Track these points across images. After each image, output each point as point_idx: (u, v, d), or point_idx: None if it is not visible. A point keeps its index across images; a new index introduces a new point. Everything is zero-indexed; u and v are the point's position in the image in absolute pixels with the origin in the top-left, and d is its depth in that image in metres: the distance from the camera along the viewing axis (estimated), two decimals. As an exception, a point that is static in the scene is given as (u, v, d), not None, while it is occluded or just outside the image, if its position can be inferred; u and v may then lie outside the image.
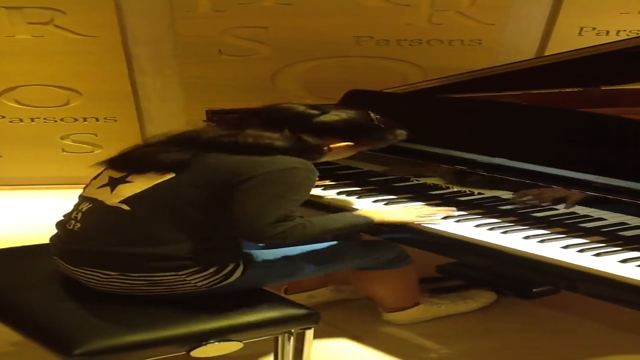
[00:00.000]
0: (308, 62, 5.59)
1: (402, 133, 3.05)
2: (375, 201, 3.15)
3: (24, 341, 2.50)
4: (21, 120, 5.64)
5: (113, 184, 2.65)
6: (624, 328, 3.30)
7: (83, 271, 2.58)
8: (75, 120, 5.67)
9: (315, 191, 3.27)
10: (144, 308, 2.50)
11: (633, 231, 2.58)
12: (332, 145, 2.88)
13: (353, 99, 3.76)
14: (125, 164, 2.71)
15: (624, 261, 2.41)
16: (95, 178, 2.78)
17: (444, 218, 2.88)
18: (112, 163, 2.74)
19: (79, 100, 5.56)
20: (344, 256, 2.96)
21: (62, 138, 5.76)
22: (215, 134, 2.75)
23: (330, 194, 3.24)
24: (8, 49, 5.25)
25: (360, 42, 5.51)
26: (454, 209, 2.94)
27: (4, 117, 5.60)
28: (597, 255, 2.47)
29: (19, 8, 5.09)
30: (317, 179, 2.76)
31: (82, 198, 2.74)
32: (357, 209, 3.01)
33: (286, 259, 2.80)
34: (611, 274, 2.36)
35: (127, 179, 2.64)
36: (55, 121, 5.65)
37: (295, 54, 5.55)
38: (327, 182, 3.38)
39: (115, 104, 5.60)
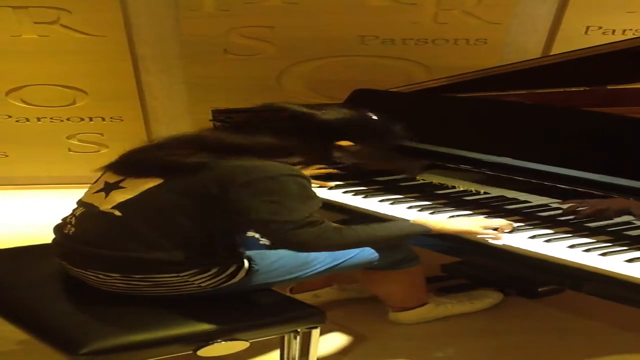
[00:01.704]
0: (313, 61, 5.59)
1: (404, 131, 2.99)
2: (381, 200, 3.15)
3: (30, 340, 2.50)
4: (27, 120, 5.65)
5: (107, 189, 2.64)
6: (630, 327, 3.30)
7: (85, 272, 2.59)
8: (82, 119, 5.67)
9: (324, 192, 3.28)
10: (151, 307, 2.50)
11: (639, 231, 2.57)
12: (339, 144, 2.85)
13: (360, 98, 3.76)
14: (121, 169, 2.69)
15: (630, 261, 2.41)
16: (94, 183, 2.76)
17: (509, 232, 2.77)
18: (111, 167, 2.73)
19: (85, 100, 5.57)
20: (353, 256, 2.92)
21: (68, 137, 5.77)
22: (222, 138, 2.73)
23: (336, 194, 3.24)
24: (14, 48, 5.25)
25: (366, 41, 5.51)
26: (512, 224, 2.81)
27: (10, 117, 5.61)
28: (603, 254, 2.47)
29: (25, 7, 5.09)
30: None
31: (79, 203, 2.74)
32: (407, 219, 2.94)
33: (293, 259, 2.77)
34: (617, 273, 2.36)
35: (120, 185, 2.63)
36: (62, 121, 5.66)
37: (300, 53, 5.54)
38: (331, 184, 3.37)
39: (121, 103, 5.61)
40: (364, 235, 2.73)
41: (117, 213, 2.56)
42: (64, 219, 2.73)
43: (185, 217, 2.53)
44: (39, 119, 5.65)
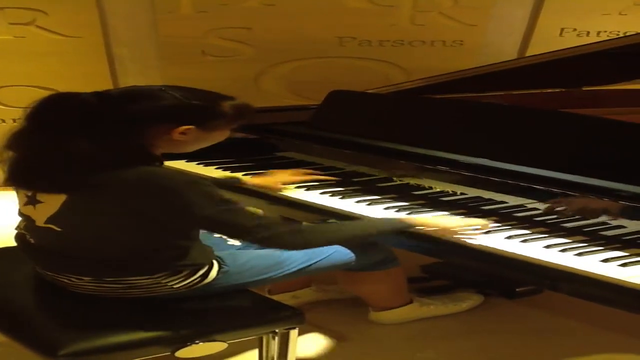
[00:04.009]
0: (291, 62, 5.60)
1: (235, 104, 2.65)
2: (358, 201, 3.16)
3: (8, 342, 2.49)
4: (3, 121, 5.63)
5: (32, 202, 2.51)
6: (607, 327, 3.32)
7: (58, 275, 2.56)
8: (59, 121, 5.64)
9: (301, 194, 3.29)
10: (129, 309, 2.49)
11: (614, 231, 2.60)
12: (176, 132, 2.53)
13: (336, 99, 3.76)
14: (23, 183, 2.52)
15: (605, 261, 2.42)
16: (17, 193, 2.61)
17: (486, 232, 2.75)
18: (12, 182, 2.53)
19: (62, 102, 5.54)
20: (328, 256, 2.89)
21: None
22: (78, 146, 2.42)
23: (314, 195, 3.25)
24: (-10, 49, 5.24)
25: (343, 42, 5.53)
26: (488, 222, 2.79)
27: (-14, 118, 5.60)
28: (579, 255, 2.49)
29: (0, 9, 5.07)
30: None
31: (19, 214, 2.62)
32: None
33: (265, 259, 2.74)
34: (593, 273, 2.37)
35: (37, 198, 2.49)
36: (38, 122, 5.63)
37: (278, 55, 5.56)
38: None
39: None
40: (342, 231, 2.70)
41: (56, 228, 2.47)
42: (19, 228, 2.65)
43: (120, 231, 2.44)
44: (14, 121, 5.60)
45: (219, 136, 2.66)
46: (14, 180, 2.52)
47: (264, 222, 2.49)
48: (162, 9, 5.23)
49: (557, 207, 2.75)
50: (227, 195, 2.52)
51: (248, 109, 2.67)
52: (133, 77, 5.52)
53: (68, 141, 2.41)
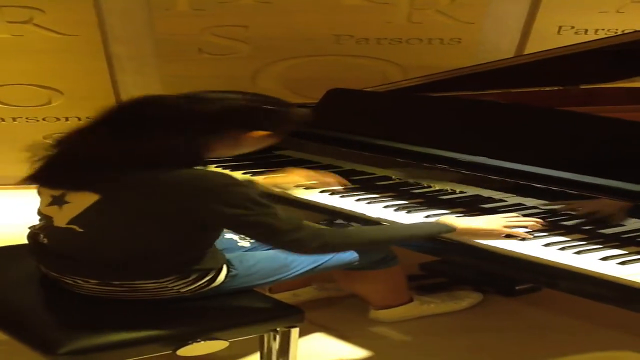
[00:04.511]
0: (288, 60, 5.60)
1: (300, 110, 2.77)
2: (357, 200, 3.16)
3: (9, 340, 2.50)
4: (3, 120, 5.62)
5: (57, 202, 2.52)
6: (606, 324, 3.34)
7: (63, 277, 2.56)
8: (58, 119, 5.64)
9: (301, 192, 3.29)
10: (131, 307, 2.49)
11: (613, 229, 2.61)
12: (250, 135, 2.62)
13: (334, 97, 3.77)
14: (53, 182, 2.55)
15: (604, 259, 2.43)
16: (40, 194, 2.62)
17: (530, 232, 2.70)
18: (41, 182, 2.57)
19: (60, 100, 5.54)
20: (332, 258, 2.89)
21: (44, 137, 5.73)
22: (125, 148, 2.47)
23: (313, 194, 3.25)
24: (-13, 48, 5.24)
25: (340, 40, 5.53)
26: (541, 221, 2.73)
27: (-15, 117, 5.59)
28: (578, 253, 2.50)
29: (-2, 7, 5.07)
30: None
31: (39, 214, 2.63)
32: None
33: (272, 261, 2.75)
34: (592, 271, 2.38)
35: (65, 199, 2.50)
36: (37, 120, 5.63)
37: (275, 53, 5.55)
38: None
39: (96, 102, 5.49)
40: (382, 235, 2.68)
41: (78, 229, 2.47)
42: (34, 227, 2.67)
43: (146, 232, 2.45)
44: (14, 119, 5.62)
45: (273, 141, 2.72)
46: (47, 179, 2.54)
47: (299, 226, 2.47)
48: (159, 7, 5.22)
49: (556, 205, 2.76)
50: (264, 199, 2.48)
51: (308, 116, 2.79)
52: (130, 75, 5.51)
53: (129, 141, 2.46)
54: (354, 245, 2.71)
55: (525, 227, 2.68)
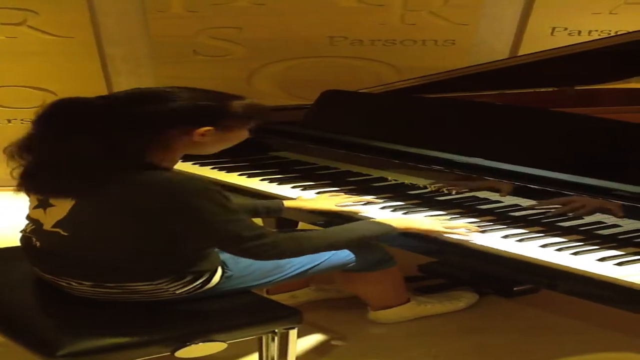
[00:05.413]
0: (283, 62, 5.60)
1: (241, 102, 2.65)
2: (355, 202, 3.16)
3: (6, 342, 2.49)
4: (-3, 122, 5.63)
5: (42, 205, 2.54)
6: (603, 325, 3.34)
7: (58, 279, 2.56)
8: (52, 121, 5.63)
9: (296, 193, 3.29)
10: (128, 309, 2.49)
11: (610, 230, 2.61)
12: (197, 133, 2.55)
13: (329, 99, 3.77)
14: (33, 189, 2.55)
15: (601, 260, 2.44)
16: (28, 197, 2.63)
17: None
18: (24, 188, 2.55)
19: (54, 101, 5.53)
20: (328, 259, 2.91)
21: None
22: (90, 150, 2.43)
23: (310, 195, 3.26)
24: (-19, 50, 5.23)
25: (334, 42, 5.54)
26: (474, 228, 2.78)
27: (-21, 119, 5.58)
28: (575, 254, 2.50)
29: (-8, 9, 5.07)
30: None
31: (27, 218, 2.65)
32: (372, 218, 2.92)
33: (267, 262, 2.73)
34: (589, 272, 2.39)
35: (50, 202, 2.51)
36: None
37: (269, 54, 5.56)
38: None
39: (90, 104, 5.57)
40: (326, 240, 2.69)
41: (62, 232, 2.48)
42: (25, 231, 2.66)
43: (127, 235, 2.44)
44: (9, 121, 5.61)
45: (237, 137, 2.69)
46: (25, 186, 2.53)
47: (264, 233, 2.48)
48: (153, 8, 5.22)
49: (553, 206, 2.76)
50: (232, 205, 2.48)
51: (258, 108, 2.69)
52: (125, 77, 5.51)
53: (76, 146, 2.42)
54: (308, 250, 2.68)
55: (460, 233, 2.73)
